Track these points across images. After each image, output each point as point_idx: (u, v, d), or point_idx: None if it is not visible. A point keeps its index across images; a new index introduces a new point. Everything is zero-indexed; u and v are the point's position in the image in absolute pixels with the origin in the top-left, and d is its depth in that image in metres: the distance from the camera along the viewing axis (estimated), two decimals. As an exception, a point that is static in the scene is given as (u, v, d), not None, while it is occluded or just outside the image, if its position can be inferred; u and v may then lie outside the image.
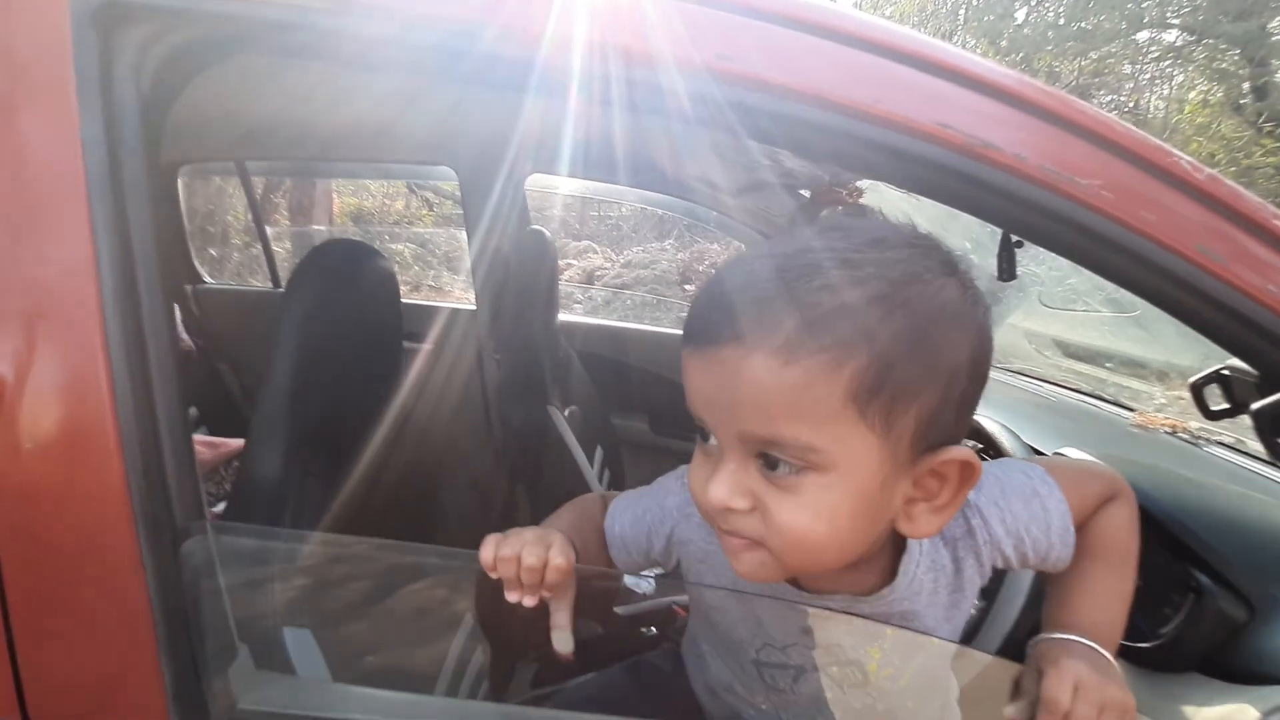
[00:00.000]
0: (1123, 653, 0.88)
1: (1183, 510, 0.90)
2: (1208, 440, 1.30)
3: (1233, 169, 8.33)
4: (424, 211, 8.07)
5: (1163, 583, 0.90)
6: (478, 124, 1.68)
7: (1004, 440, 0.93)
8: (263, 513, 0.73)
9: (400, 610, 0.74)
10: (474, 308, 2.01)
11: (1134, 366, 1.81)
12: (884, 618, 0.53)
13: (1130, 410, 1.49)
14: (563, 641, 0.50)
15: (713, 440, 0.45)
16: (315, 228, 5.99)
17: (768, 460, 0.43)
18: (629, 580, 1.63)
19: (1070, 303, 1.84)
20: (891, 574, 0.51)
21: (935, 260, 0.44)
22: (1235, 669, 0.78)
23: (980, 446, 1.23)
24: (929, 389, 0.42)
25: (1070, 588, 0.54)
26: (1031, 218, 0.47)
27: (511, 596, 0.48)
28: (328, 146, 1.88)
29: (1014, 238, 0.64)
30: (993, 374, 1.49)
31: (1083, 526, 0.55)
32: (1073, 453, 1.03)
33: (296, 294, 0.76)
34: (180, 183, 2.02)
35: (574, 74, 0.48)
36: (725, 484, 0.43)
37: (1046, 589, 0.58)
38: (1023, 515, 0.52)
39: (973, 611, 0.87)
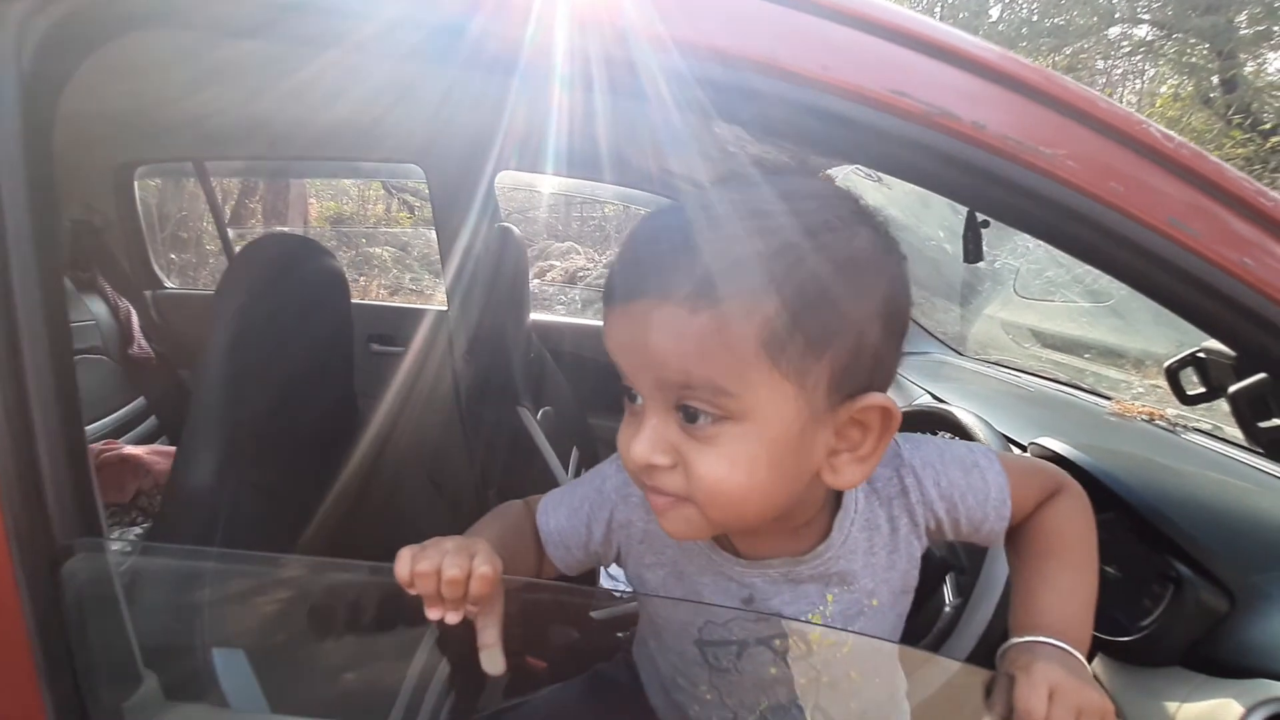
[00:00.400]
0: (1103, 647, 0.86)
1: (1161, 499, 0.87)
2: (1185, 427, 1.28)
3: (1205, 161, 8.43)
4: (403, 214, 7.98)
5: (1142, 574, 0.87)
6: (445, 121, 1.64)
7: (978, 431, 0.91)
8: (194, 525, 0.68)
9: (351, 629, 0.70)
10: (446, 308, 1.96)
11: (1111, 355, 1.80)
12: (822, 578, 0.53)
13: (1108, 399, 1.47)
14: (492, 661, 0.46)
15: (639, 400, 0.45)
16: (288, 230, 5.88)
17: (687, 413, 0.43)
18: (606, 581, 1.60)
19: (1047, 293, 1.83)
20: (829, 534, 0.52)
21: (846, 209, 0.44)
22: (1218, 661, 0.76)
23: (954, 439, 1.20)
24: (842, 336, 0.42)
25: (1031, 588, 0.53)
26: (993, 190, 0.44)
27: (432, 614, 0.44)
28: (291, 145, 1.82)
29: (980, 218, 0.61)
30: (970, 365, 1.45)
31: (1031, 524, 0.55)
32: (1049, 442, 1.01)
33: (228, 293, 0.71)
34: (157, 186, 1.95)
35: (523, 44, 0.44)
36: (647, 440, 0.44)
37: (1011, 593, 0.56)
38: (960, 482, 0.53)
39: (946, 609, 0.85)
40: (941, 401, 1.44)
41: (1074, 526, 0.55)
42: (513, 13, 0.44)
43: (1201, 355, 0.68)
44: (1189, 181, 0.45)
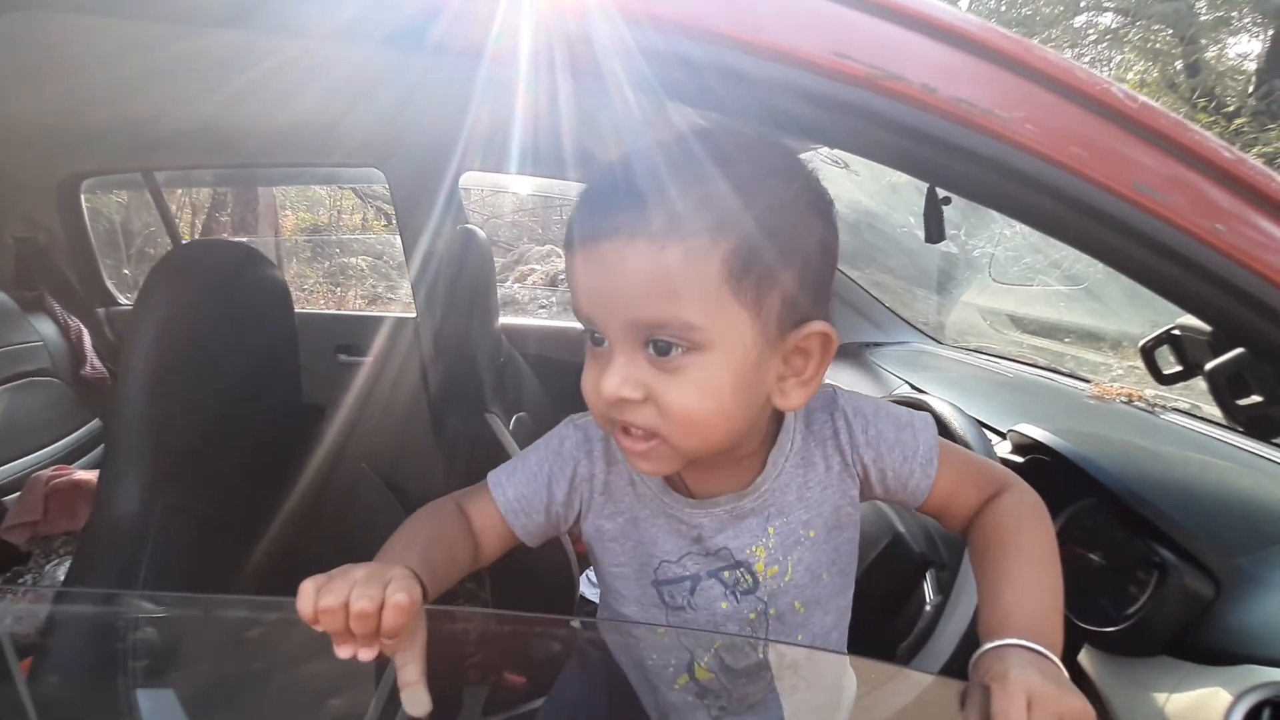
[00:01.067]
0: (1090, 638, 0.83)
1: (1142, 483, 0.85)
2: (1163, 408, 1.27)
3: (1173, 145, 8.59)
4: (379, 223, 7.88)
5: (1126, 561, 0.85)
6: (404, 123, 1.59)
7: (954, 421, 0.88)
8: (117, 557, 0.63)
9: (297, 662, 0.65)
10: (414, 315, 1.91)
11: (1089, 338, 1.79)
12: (762, 511, 0.57)
13: (1087, 382, 1.46)
14: (415, 702, 0.42)
15: (605, 342, 0.47)
16: (260, 239, 5.75)
17: (657, 347, 0.46)
18: (587, 591, 1.55)
19: (1024, 278, 1.82)
20: (765, 468, 0.57)
21: (786, 157, 0.48)
22: (1205, 648, 0.73)
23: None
24: (789, 270, 0.46)
25: (995, 588, 0.52)
26: (948, 159, 0.40)
27: (342, 652, 0.40)
28: (244, 151, 1.76)
29: (941, 194, 0.57)
30: (949, 353, 1.43)
31: (983, 521, 0.56)
32: (1027, 429, 0.98)
33: (148, 303, 0.66)
34: (122, 203, 1.87)
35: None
36: (617, 375, 0.46)
37: (978, 597, 0.54)
38: (889, 435, 0.57)
39: (927, 607, 0.82)
40: (920, 391, 1.41)
41: (1027, 522, 0.55)
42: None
43: (1177, 333, 0.65)
44: (1156, 145, 0.41)
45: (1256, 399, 0.55)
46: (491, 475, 0.60)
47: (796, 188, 0.47)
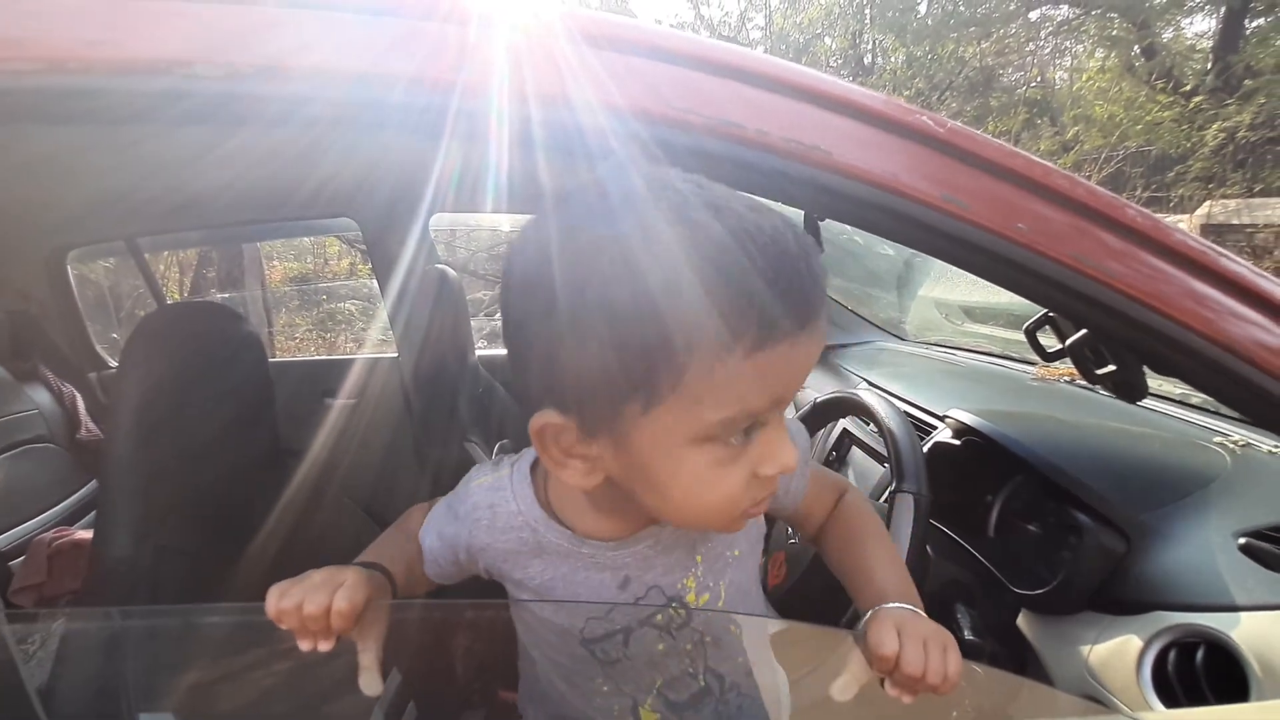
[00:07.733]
0: (1026, 602, 0.89)
1: (1058, 455, 0.92)
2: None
3: (1138, 126, 8.82)
4: (364, 269, 7.98)
5: (1054, 529, 0.91)
6: (374, 171, 1.67)
7: (879, 409, 0.95)
8: (114, 594, 0.70)
9: (295, 682, 0.70)
10: (396, 355, 1.99)
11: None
12: (687, 539, 0.55)
13: (1034, 365, 1.53)
14: (369, 683, 0.48)
15: (756, 431, 0.44)
16: (248, 294, 5.84)
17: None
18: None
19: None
20: None
21: None
22: (1122, 600, 0.80)
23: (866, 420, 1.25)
24: None
25: (865, 573, 0.58)
26: (785, 186, 0.48)
27: (304, 645, 0.46)
28: (222, 214, 1.84)
29: (815, 216, 0.65)
30: (909, 348, 1.50)
31: (837, 517, 0.64)
32: (959, 414, 1.05)
33: (130, 366, 0.73)
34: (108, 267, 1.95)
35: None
36: (791, 446, 0.45)
37: (847, 587, 0.60)
38: None
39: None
40: (875, 386, 1.49)
41: (870, 515, 0.63)
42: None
43: (1052, 315, 0.72)
44: (962, 161, 0.49)
45: (1112, 367, 0.62)
46: (431, 512, 0.60)
47: None
